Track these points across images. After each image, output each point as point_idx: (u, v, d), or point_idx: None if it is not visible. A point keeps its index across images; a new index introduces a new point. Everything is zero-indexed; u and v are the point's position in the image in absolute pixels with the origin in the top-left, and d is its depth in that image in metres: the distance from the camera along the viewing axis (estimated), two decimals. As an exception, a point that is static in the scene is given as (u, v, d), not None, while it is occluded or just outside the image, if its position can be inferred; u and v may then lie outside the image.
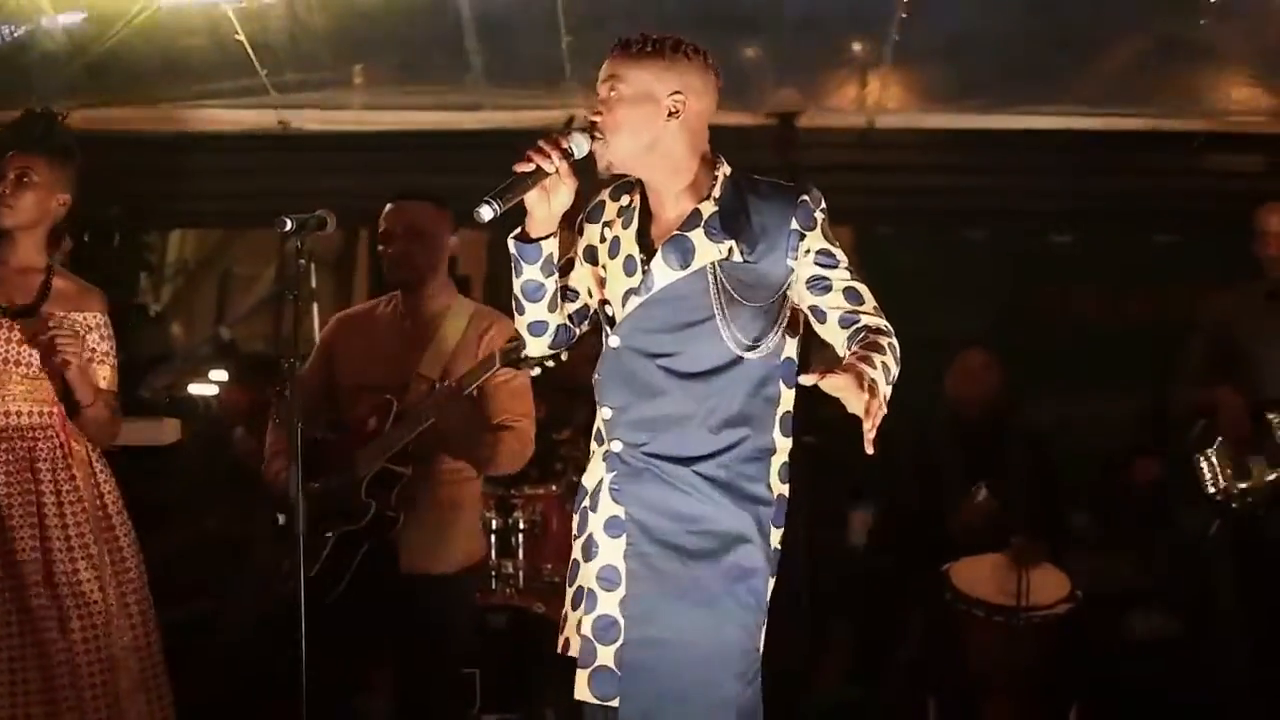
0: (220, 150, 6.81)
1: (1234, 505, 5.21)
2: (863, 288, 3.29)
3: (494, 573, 5.42)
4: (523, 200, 3.23)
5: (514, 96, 6.50)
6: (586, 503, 3.35)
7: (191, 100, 6.44)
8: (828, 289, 3.27)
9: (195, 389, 8.38)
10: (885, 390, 3.09)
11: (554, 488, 5.74)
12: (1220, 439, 5.26)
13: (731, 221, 3.26)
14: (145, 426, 5.90)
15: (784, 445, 3.34)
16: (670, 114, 3.25)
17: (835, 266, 3.28)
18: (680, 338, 3.26)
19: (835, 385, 2.98)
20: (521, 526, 5.52)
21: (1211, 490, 5.25)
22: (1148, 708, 6.00)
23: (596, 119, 3.27)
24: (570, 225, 3.45)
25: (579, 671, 3.26)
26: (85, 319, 4.40)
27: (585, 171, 3.34)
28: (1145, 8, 6.15)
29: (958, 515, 5.95)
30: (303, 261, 4.10)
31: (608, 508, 3.30)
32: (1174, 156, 6.81)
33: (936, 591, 5.69)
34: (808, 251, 3.27)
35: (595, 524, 3.31)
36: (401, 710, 4.55)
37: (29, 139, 4.45)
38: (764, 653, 3.32)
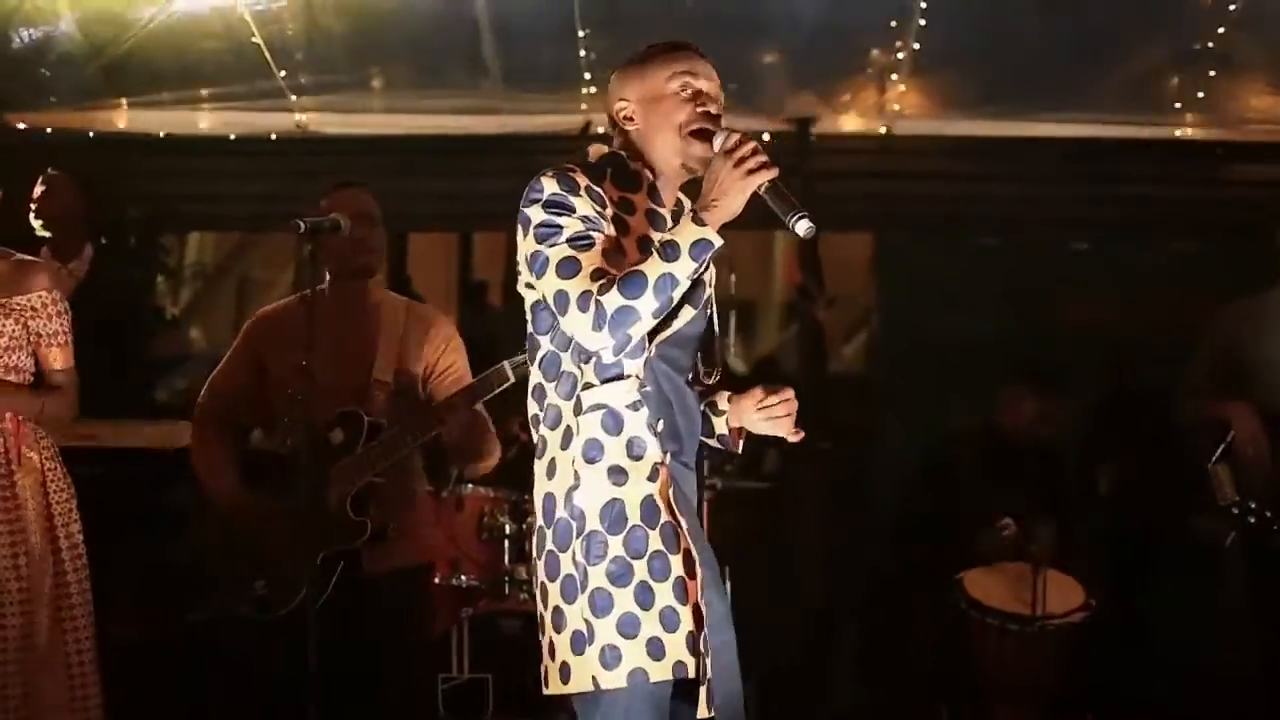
0: (237, 153, 6.82)
1: (1250, 518, 5.17)
2: None
3: (508, 578, 5.40)
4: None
5: (531, 101, 6.51)
6: (637, 519, 3.15)
7: (208, 103, 6.45)
8: None
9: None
10: None
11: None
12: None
13: None
14: (160, 429, 5.89)
15: None
16: None
17: None
18: (691, 348, 3.27)
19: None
20: (535, 532, 5.49)
21: (1225, 502, 5.21)
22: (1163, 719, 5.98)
23: (720, 114, 3.21)
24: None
25: (703, 691, 3.12)
26: (25, 301, 4.17)
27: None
28: (1165, 16, 6.14)
29: (978, 545, 5.87)
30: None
31: (670, 519, 3.17)
32: (1193, 165, 6.79)
33: (950, 599, 5.66)
34: None
35: (656, 541, 3.15)
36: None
37: None
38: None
